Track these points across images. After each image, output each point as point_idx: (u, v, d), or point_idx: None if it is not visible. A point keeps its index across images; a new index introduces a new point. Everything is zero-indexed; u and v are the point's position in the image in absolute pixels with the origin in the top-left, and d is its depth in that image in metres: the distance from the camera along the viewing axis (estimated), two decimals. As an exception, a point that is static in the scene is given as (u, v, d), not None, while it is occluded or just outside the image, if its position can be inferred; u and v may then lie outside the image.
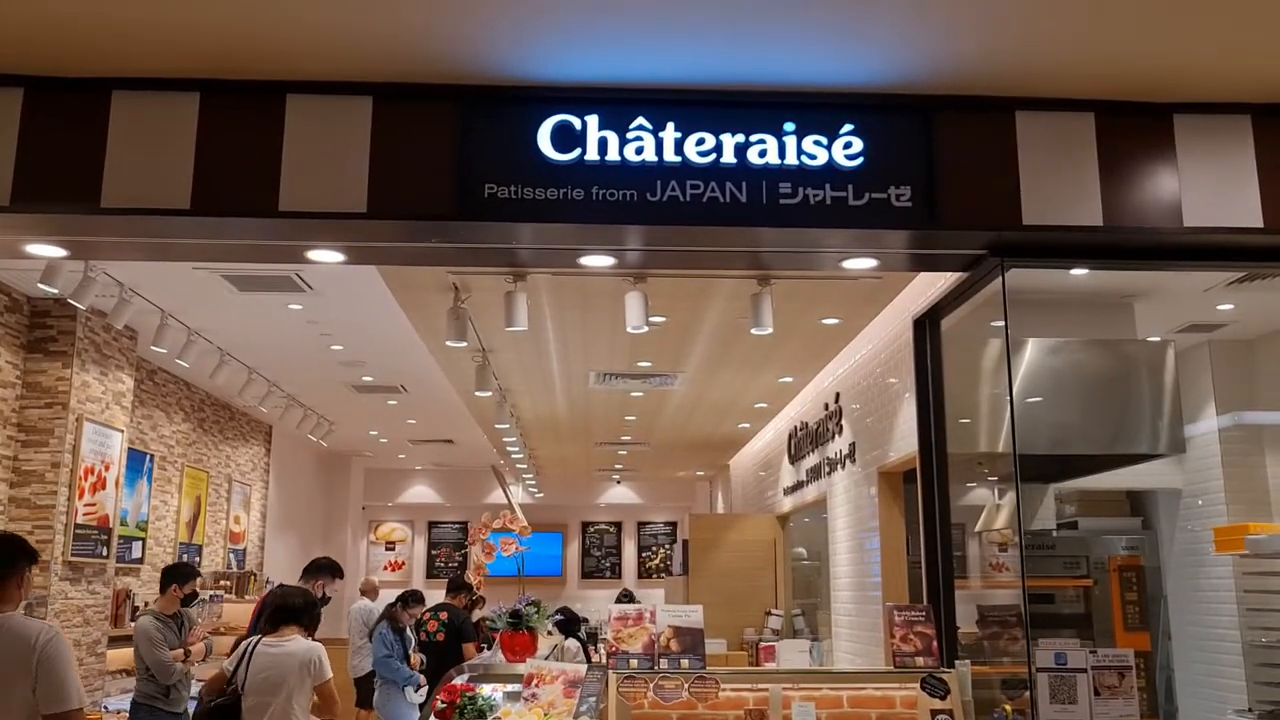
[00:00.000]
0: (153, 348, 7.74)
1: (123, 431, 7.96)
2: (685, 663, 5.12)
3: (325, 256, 4.86)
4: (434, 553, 18.97)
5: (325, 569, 7.50)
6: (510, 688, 5.64)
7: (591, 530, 19.87)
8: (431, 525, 19.29)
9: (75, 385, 7.33)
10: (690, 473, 17.68)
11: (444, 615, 8.69)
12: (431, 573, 18.94)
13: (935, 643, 5.27)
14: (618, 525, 19.95)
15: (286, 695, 5.28)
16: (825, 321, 7.08)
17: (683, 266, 5.26)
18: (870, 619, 7.09)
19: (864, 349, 7.50)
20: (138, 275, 6.81)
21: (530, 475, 15.74)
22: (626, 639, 5.20)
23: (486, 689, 5.47)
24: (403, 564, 18.89)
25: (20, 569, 3.88)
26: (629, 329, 5.62)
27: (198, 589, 7.45)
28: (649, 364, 8.58)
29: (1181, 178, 4.44)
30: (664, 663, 5.11)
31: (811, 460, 9.21)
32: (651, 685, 4.98)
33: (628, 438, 13.07)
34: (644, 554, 19.75)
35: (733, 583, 10.31)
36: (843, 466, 8.02)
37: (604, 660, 5.22)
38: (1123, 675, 4.57)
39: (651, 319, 6.80)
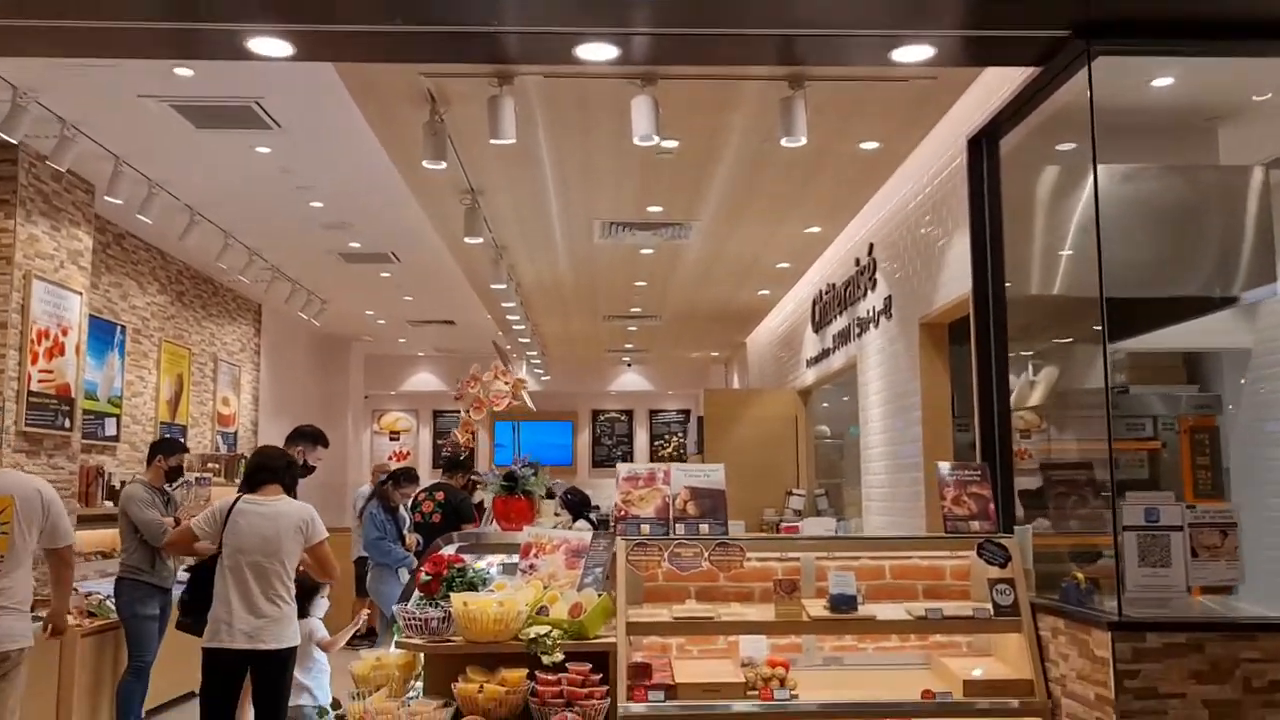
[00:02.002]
0: (107, 198, 6.96)
1: (81, 294, 7.23)
2: (705, 528, 4.44)
3: (271, 48, 4.04)
4: (439, 442, 18.41)
5: (307, 435, 6.92)
6: (506, 559, 5.01)
7: (602, 419, 19.28)
8: (436, 414, 18.71)
9: (20, 238, 6.58)
10: (704, 354, 16.93)
11: (440, 495, 8.07)
12: (437, 463, 18.41)
13: (991, 505, 4.58)
14: (629, 413, 19.35)
15: (281, 558, 4.78)
16: (864, 147, 6.19)
17: (698, 61, 4.41)
18: (908, 490, 6.40)
19: (904, 189, 6.66)
20: (81, 110, 5.99)
21: (536, 355, 15.00)
22: (637, 502, 4.51)
23: (481, 562, 4.82)
24: (408, 454, 18.37)
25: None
26: (636, 139, 4.78)
27: (184, 466, 6.83)
28: (660, 209, 7.68)
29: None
30: (680, 528, 4.43)
31: (839, 324, 8.44)
32: (666, 553, 4.31)
33: (638, 309, 12.26)
34: (656, 443, 19.17)
35: (751, 461, 9.63)
36: (876, 325, 7.25)
37: (612, 527, 4.56)
38: (1225, 534, 3.87)
39: (663, 143, 5.94)
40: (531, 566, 4.59)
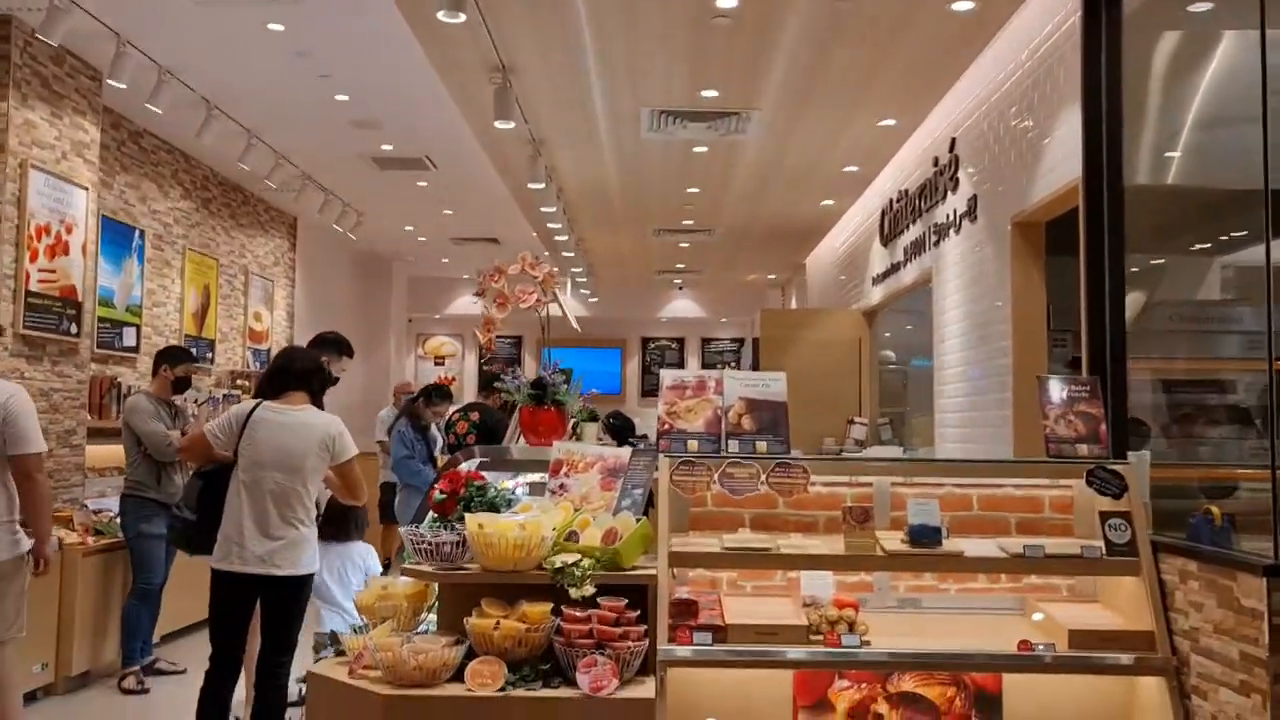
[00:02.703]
0: (110, 82, 6.37)
1: (87, 190, 6.69)
2: (762, 445, 3.79)
3: None
4: (486, 368, 17.93)
5: (331, 343, 6.33)
6: (533, 477, 4.42)
7: (652, 346, 18.64)
8: (483, 339, 18.21)
9: (15, 123, 6.03)
10: (760, 276, 16.12)
11: (475, 415, 7.46)
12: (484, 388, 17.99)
13: (1103, 426, 3.87)
14: (680, 341, 18.68)
15: (302, 476, 4.30)
16: (955, 8, 5.35)
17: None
18: (992, 414, 5.69)
19: (994, 74, 5.84)
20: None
21: (582, 274, 14.30)
22: (684, 414, 3.87)
23: (507, 482, 4.24)
24: (453, 379, 17.90)
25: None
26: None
27: (191, 376, 6.32)
28: (715, 94, 6.87)
29: None
30: (734, 445, 3.79)
31: (912, 234, 7.66)
32: (717, 474, 3.68)
33: (690, 222, 11.48)
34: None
35: (810, 387, 8.91)
36: (957, 230, 6.49)
37: (654, 444, 3.94)
38: None
39: (720, 1, 5.13)
40: (562, 487, 3.98)
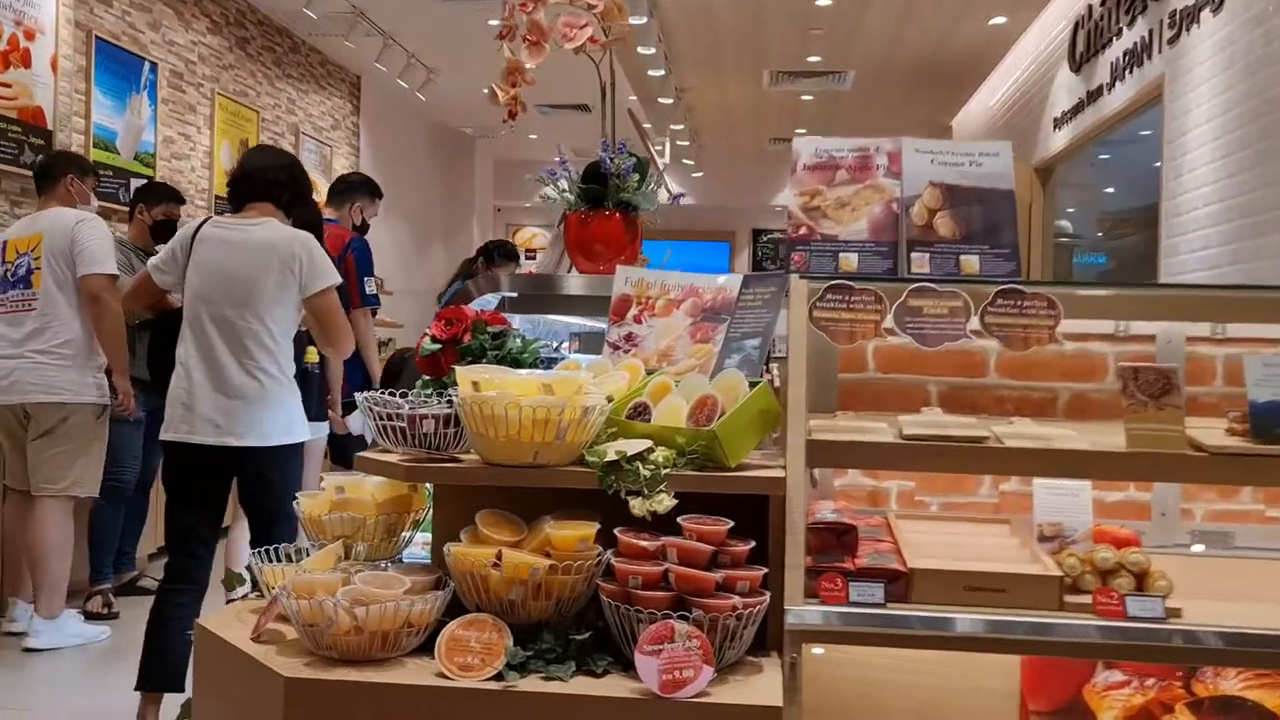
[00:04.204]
0: None
1: (57, -10, 5.33)
2: (971, 262, 2.21)
3: None
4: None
5: (359, 186, 5.36)
6: (586, 323, 2.94)
7: (765, 240, 16.90)
8: (577, 232, 16.74)
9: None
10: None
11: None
12: (578, 285, 16.57)
13: None
14: (795, 235, 16.89)
15: (253, 310, 3.26)
16: None
17: None
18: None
19: None
20: None
21: (685, 139, 12.53)
22: (832, 210, 2.29)
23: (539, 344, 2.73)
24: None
25: (66, 174, 4.34)
26: None
27: (177, 219, 4.99)
28: None
29: None
30: (921, 261, 2.21)
31: (1128, 39, 5.80)
32: (894, 308, 2.10)
33: (816, 59, 9.63)
34: (826, 269, 16.75)
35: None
36: (1215, 6, 4.65)
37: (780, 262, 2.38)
38: None
39: None
40: (628, 338, 2.47)
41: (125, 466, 4.66)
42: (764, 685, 1.77)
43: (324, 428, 4.63)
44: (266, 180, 3.32)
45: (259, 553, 2.14)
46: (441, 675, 1.76)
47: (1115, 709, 2.04)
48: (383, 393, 2.16)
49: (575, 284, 2.61)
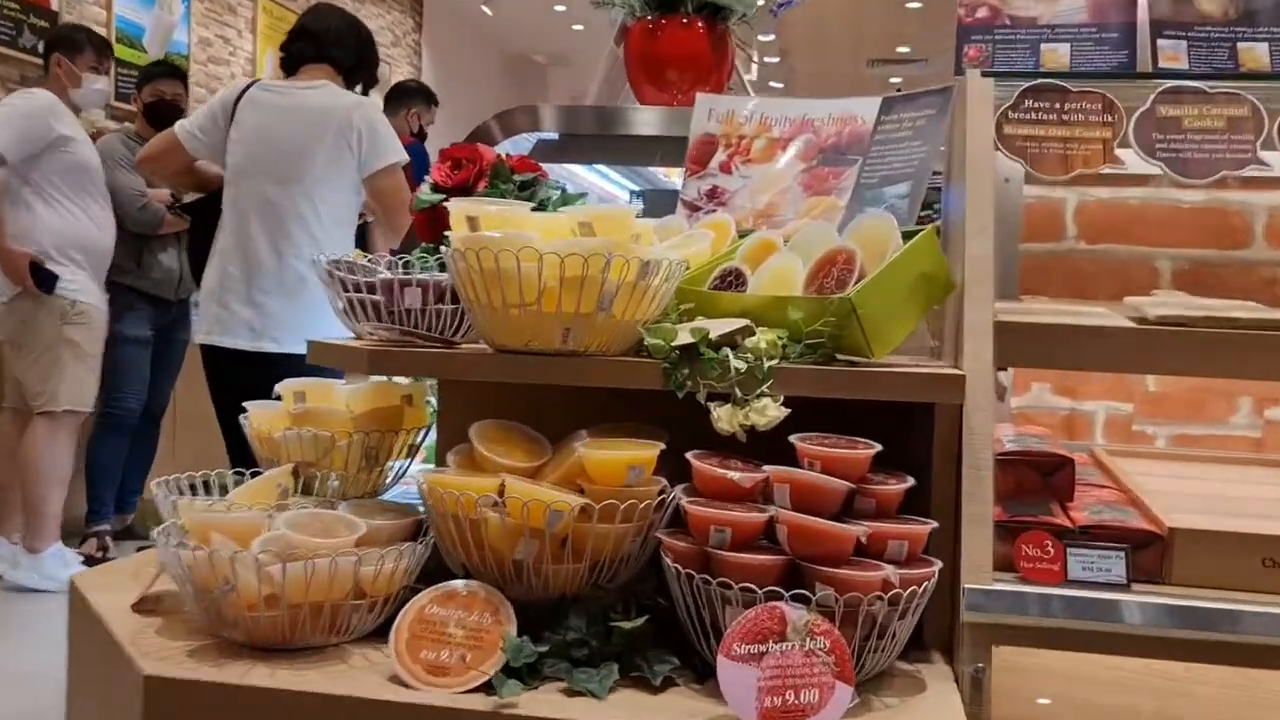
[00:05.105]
0: None
1: None
2: (1256, 53, 1.41)
3: None
4: (656, 203, 15.78)
5: (416, 92, 5.12)
6: (656, 174, 2.22)
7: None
8: (654, 172, 15.98)
9: None
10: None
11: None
12: (654, 227, 15.86)
13: None
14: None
15: (305, 186, 2.74)
16: None
17: None
18: None
19: None
20: None
21: (772, 43, 11.67)
22: (1030, -19, 1.50)
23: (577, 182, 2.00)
24: (620, 216, 15.88)
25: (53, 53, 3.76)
26: None
27: (180, 103, 4.35)
28: None
29: None
30: (1171, 50, 1.42)
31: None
32: (1131, 120, 1.33)
33: (906, 48, 8.75)
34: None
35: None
36: None
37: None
38: None
39: None
40: (713, 193, 1.72)
41: (127, 392, 4.05)
42: (933, 714, 1.04)
43: None
44: (328, 38, 2.82)
45: (165, 482, 1.45)
46: (396, 680, 1.06)
47: None
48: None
49: (639, 119, 1.87)
